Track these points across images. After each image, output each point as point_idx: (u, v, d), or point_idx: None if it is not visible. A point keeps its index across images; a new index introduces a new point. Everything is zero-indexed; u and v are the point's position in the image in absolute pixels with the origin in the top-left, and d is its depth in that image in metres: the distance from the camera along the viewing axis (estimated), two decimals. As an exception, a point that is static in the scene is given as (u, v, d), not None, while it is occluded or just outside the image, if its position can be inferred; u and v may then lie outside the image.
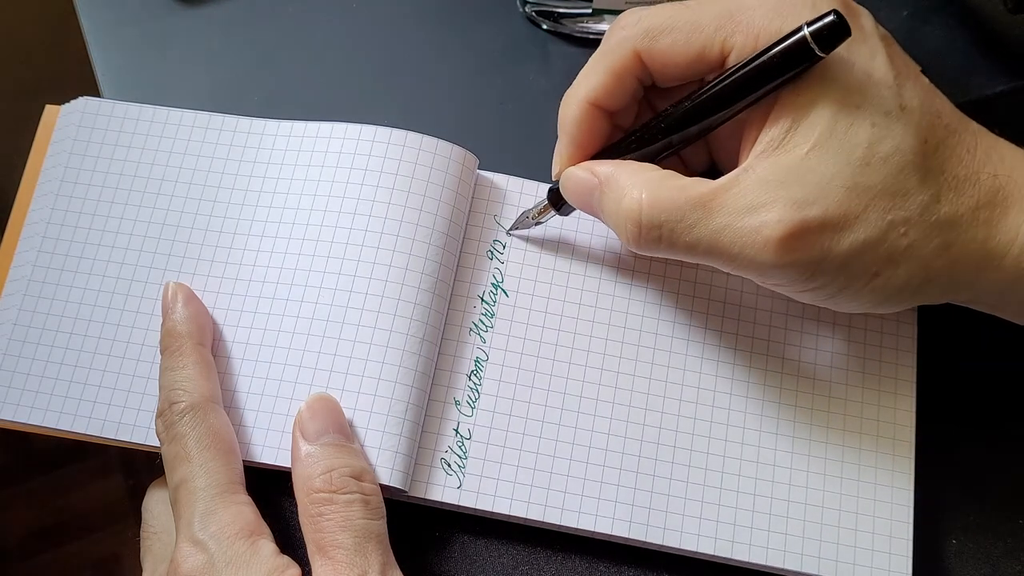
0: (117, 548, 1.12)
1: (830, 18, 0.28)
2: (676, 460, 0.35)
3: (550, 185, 0.36)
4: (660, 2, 0.43)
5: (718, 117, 0.31)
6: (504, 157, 0.39)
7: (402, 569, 0.31)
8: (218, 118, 0.39)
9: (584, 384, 0.36)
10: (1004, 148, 0.31)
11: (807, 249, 0.29)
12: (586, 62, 0.43)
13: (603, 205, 0.32)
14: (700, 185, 0.30)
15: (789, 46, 0.29)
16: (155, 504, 0.35)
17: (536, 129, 0.42)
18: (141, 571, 0.34)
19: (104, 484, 1.15)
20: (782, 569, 0.33)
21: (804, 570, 0.33)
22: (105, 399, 0.35)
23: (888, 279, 0.29)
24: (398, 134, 0.37)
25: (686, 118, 0.31)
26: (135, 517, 0.35)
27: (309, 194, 0.37)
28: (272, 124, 0.38)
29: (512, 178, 0.39)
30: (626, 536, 0.33)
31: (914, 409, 0.35)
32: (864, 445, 0.35)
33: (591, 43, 0.44)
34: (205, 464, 0.32)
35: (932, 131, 0.30)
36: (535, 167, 0.39)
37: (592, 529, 0.34)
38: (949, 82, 0.42)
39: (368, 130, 0.37)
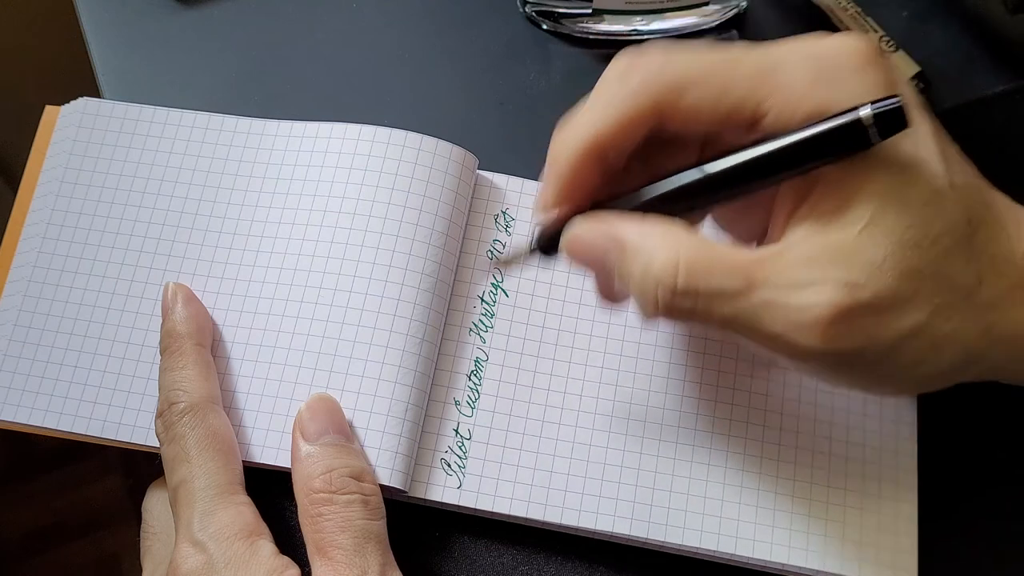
0: (117, 548, 1.12)
1: (895, 102, 0.26)
2: (678, 456, 0.34)
3: (537, 226, 0.32)
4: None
5: (754, 185, 0.28)
6: (504, 157, 0.39)
7: (402, 569, 0.31)
8: (218, 118, 0.39)
9: (584, 383, 0.36)
10: None
11: (853, 334, 0.27)
12: (585, 62, 0.43)
13: (626, 267, 0.28)
14: (742, 253, 0.28)
15: (845, 125, 0.26)
16: (155, 504, 0.35)
17: (536, 129, 0.42)
18: (141, 571, 0.34)
19: (104, 484, 1.15)
20: (785, 565, 0.33)
21: (809, 566, 0.33)
22: (105, 399, 0.35)
23: (932, 366, 0.28)
24: (398, 134, 0.37)
25: (719, 183, 0.28)
26: (135, 517, 0.35)
27: (309, 194, 0.37)
28: (272, 124, 0.38)
29: (512, 178, 0.39)
30: (628, 533, 0.33)
31: (915, 405, 0.35)
32: (868, 440, 0.35)
33: (591, 43, 0.44)
34: (204, 465, 0.32)
35: (975, 209, 0.28)
36: (535, 167, 0.39)
37: (593, 528, 0.34)
38: (949, 82, 0.42)
39: (368, 130, 0.37)
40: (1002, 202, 0.30)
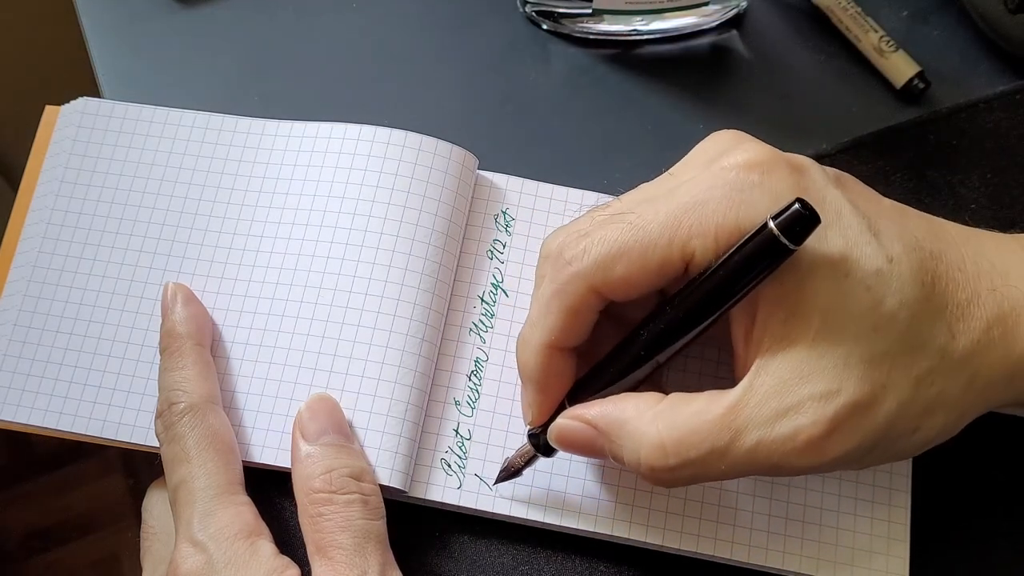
0: (117, 548, 1.12)
1: (795, 208, 0.26)
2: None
3: (528, 430, 0.33)
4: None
5: (702, 328, 0.29)
6: (504, 157, 0.39)
7: (402, 569, 0.31)
8: (218, 118, 0.39)
9: (584, 384, 0.35)
10: (985, 246, 0.30)
11: (846, 437, 0.27)
12: (585, 62, 0.43)
13: (618, 454, 0.29)
14: (716, 403, 0.28)
15: (758, 244, 0.27)
16: (155, 504, 0.35)
17: (536, 129, 0.42)
18: (141, 571, 0.34)
19: (104, 484, 1.15)
20: (781, 570, 0.33)
21: (802, 571, 0.33)
22: (105, 399, 0.35)
23: (927, 430, 0.28)
24: (398, 134, 0.37)
25: (666, 337, 0.29)
26: (135, 517, 0.35)
27: (309, 194, 0.37)
28: (272, 124, 0.38)
29: (512, 178, 0.39)
30: (626, 537, 0.33)
31: None
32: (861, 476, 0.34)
33: (591, 43, 0.44)
34: (204, 465, 0.32)
35: (924, 268, 0.28)
36: (535, 167, 0.39)
37: (592, 530, 0.34)
38: (949, 82, 0.42)
39: (368, 130, 0.37)
40: (953, 237, 0.30)
